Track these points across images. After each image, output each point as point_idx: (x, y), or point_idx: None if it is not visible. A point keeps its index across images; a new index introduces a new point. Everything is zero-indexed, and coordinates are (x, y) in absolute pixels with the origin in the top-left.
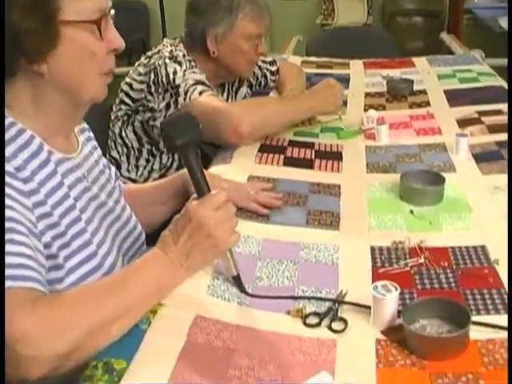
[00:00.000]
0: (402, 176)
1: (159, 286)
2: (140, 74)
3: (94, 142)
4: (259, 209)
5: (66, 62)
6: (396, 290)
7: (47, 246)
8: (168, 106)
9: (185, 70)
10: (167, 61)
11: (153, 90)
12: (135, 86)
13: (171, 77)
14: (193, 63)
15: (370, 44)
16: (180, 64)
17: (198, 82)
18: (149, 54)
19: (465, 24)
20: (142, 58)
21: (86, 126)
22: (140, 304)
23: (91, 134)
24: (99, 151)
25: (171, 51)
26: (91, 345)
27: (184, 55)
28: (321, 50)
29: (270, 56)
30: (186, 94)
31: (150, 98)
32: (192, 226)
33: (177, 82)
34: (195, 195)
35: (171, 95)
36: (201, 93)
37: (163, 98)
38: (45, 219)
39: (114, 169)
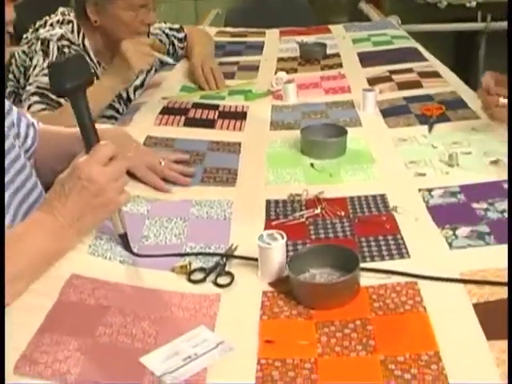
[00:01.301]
0: (303, 130)
1: (48, 252)
2: (23, 52)
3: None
4: (159, 185)
5: None
6: (282, 238)
7: None
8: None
9: (43, 69)
10: (38, 47)
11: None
12: (18, 61)
13: (29, 72)
14: (66, 49)
15: (290, 15)
16: (46, 55)
17: (37, 93)
18: (36, 25)
19: None
20: (29, 32)
21: None
22: (29, 271)
23: None
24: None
25: (49, 29)
26: None
27: (62, 36)
28: (239, 21)
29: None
30: (25, 101)
31: (22, 81)
32: (82, 184)
33: (29, 81)
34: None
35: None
36: (29, 107)
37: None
38: None
39: (25, 121)
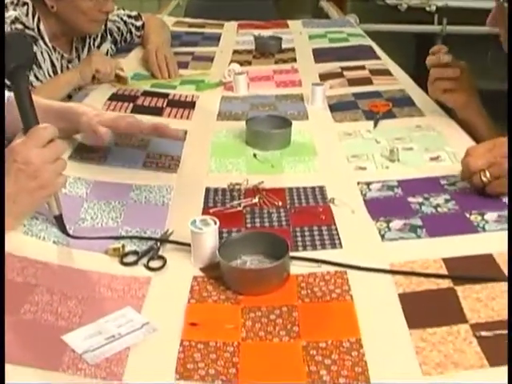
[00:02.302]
0: (248, 121)
1: None
2: None
3: None
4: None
5: None
6: (215, 223)
7: None
8: None
9: None
10: None
11: None
12: None
13: None
14: None
15: (252, 10)
16: None
17: None
18: None
19: None
20: None
21: None
22: None
23: None
24: None
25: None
26: None
27: (16, 18)
28: (200, 13)
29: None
30: None
31: None
32: (17, 166)
33: None
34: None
35: None
36: None
37: None
38: None
39: None
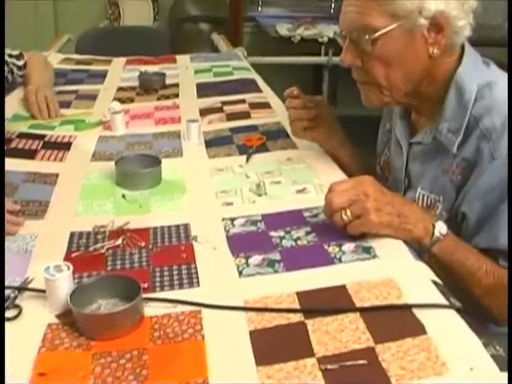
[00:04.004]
0: (117, 161)
1: None
2: None
3: None
4: None
5: None
6: (68, 269)
7: None
8: None
9: None
10: None
11: None
12: None
13: None
14: None
15: (147, 46)
16: None
17: None
18: None
19: (249, 32)
20: None
21: None
22: None
23: None
24: None
25: None
26: None
27: None
28: (92, 48)
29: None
30: None
31: None
32: None
33: None
34: None
35: None
36: None
37: None
38: None
39: None
